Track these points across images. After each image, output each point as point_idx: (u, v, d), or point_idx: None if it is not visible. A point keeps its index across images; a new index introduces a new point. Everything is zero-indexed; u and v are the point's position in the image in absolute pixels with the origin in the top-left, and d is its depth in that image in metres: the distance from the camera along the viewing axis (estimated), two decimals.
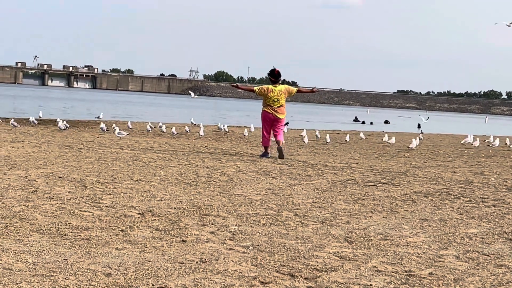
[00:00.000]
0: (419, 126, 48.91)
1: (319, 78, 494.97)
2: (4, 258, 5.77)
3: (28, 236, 6.66)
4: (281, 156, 15.95)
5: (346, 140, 25.59)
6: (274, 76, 16.34)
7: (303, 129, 29.57)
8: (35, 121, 25.29)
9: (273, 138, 16.73)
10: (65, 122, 24.51)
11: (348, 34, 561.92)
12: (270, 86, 16.28)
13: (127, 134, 21.13)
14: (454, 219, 8.85)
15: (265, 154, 16.34)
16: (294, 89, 16.71)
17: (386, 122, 60.60)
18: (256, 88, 16.65)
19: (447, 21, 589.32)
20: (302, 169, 13.75)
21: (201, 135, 24.85)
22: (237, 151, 17.66)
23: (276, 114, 16.19)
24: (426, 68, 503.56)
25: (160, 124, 28.03)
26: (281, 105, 16.25)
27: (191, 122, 31.44)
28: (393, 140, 25.18)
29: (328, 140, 24.23)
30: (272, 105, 16.17)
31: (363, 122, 57.68)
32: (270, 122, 16.30)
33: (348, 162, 15.97)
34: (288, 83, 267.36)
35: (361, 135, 27.94)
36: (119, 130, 21.52)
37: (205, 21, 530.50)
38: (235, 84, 17.46)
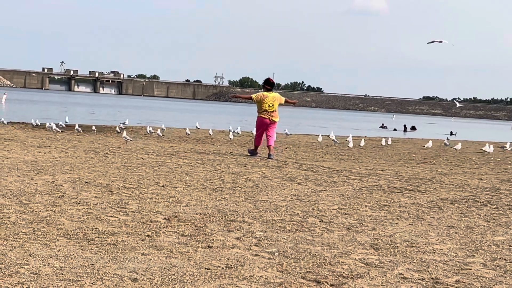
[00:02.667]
0: (451, 133, 49.75)
1: (344, 84, 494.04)
2: (31, 263, 5.81)
3: (55, 240, 6.70)
4: (269, 156, 17.49)
5: (382, 145, 27.14)
6: (269, 85, 18.31)
7: (349, 135, 29.95)
8: (58, 128, 25.24)
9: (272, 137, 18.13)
10: (60, 123, 25.13)
11: (374, 40, 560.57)
12: (265, 93, 17.98)
13: (131, 140, 21.27)
14: (481, 227, 8.79)
15: (253, 153, 18.04)
16: (283, 98, 18.42)
17: (413, 128, 60.07)
18: (253, 95, 18.21)
19: (474, 27, 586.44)
20: (328, 175, 13.72)
21: (230, 138, 26.07)
22: (262, 157, 17.65)
23: (272, 118, 17.84)
24: (452, 74, 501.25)
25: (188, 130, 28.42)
26: (275, 110, 17.90)
27: (196, 126, 31.49)
28: (429, 143, 27.56)
29: (362, 144, 25.57)
30: (268, 110, 17.79)
31: (395, 130, 57.01)
32: (266, 127, 17.88)
33: (374, 169, 15.91)
34: (313, 89, 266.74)
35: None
36: (125, 133, 22.09)
37: (230, 27, 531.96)
38: (233, 95, 19.17)
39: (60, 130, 24.44)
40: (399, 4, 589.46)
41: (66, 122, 30.55)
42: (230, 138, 25.95)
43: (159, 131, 26.34)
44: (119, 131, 25.68)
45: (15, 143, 17.63)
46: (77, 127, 26.26)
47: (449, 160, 20.82)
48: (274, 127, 17.97)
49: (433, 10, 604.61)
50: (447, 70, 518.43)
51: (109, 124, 34.65)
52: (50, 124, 25.40)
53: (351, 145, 25.10)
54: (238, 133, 29.03)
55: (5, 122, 28.02)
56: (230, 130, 28.35)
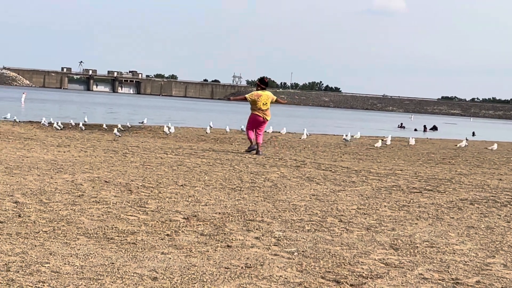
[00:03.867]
0: (473, 134, 49.89)
1: (362, 84, 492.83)
2: (52, 261, 5.83)
3: (75, 239, 6.73)
4: (258, 152, 18.21)
5: (409, 144, 27.98)
6: (264, 84, 18.89)
7: (388, 136, 30.25)
8: (58, 127, 25.46)
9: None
10: (59, 123, 25.53)
11: (393, 40, 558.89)
12: (259, 92, 18.60)
13: (119, 136, 22.47)
14: (501, 227, 8.75)
15: (251, 147, 18.53)
16: (275, 97, 18.91)
17: (434, 128, 59.73)
18: (247, 95, 18.84)
19: (492, 27, 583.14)
20: (346, 175, 13.70)
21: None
22: (281, 157, 17.64)
23: (265, 117, 18.51)
24: (471, 74, 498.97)
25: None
26: (268, 108, 18.56)
27: (210, 126, 31.61)
28: (464, 143, 28.76)
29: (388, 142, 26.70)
30: (262, 108, 18.40)
31: (415, 130, 56.61)
32: (258, 124, 18.53)
33: (393, 169, 15.87)
34: (331, 89, 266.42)
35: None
36: (117, 130, 23.35)
37: (247, 27, 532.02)
38: (228, 98, 19.32)
39: (59, 128, 24.83)
40: (418, 3, 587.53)
41: (85, 121, 30.76)
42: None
43: (166, 129, 26.47)
44: (167, 132, 26.06)
45: (34, 142, 17.72)
46: (80, 125, 26.90)
47: (468, 161, 20.73)
48: (264, 126, 18.81)
49: (452, 10, 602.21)
50: (466, 70, 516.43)
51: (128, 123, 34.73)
52: (56, 123, 25.93)
53: (388, 142, 27.38)
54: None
55: (18, 120, 28.29)
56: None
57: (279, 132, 33.06)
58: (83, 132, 24.69)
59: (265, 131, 28.55)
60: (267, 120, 18.63)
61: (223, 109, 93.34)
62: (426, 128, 58.01)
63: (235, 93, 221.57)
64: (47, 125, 25.08)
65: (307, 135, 29.95)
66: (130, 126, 30.14)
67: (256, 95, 18.46)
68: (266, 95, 18.49)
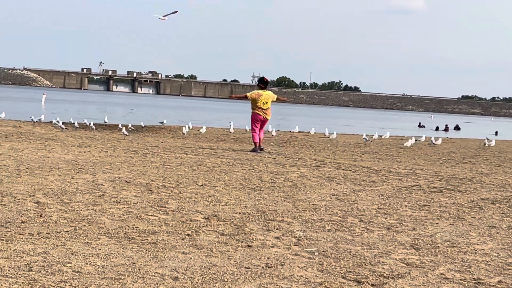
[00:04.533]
0: (496, 133, 49.80)
1: (382, 83, 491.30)
2: (73, 261, 5.86)
3: (97, 239, 6.76)
4: (261, 150, 18.85)
5: (434, 144, 28.13)
6: (263, 83, 19.31)
7: (412, 137, 30.43)
8: (63, 126, 25.67)
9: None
10: (60, 123, 25.96)
11: (411, 39, 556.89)
12: (259, 91, 18.99)
13: (127, 135, 23.18)
14: None
15: (255, 150, 18.65)
16: (275, 96, 19.37)
17: (457, 128, 59.36)
18: (248, 94, 19.24)
19: None
20: (366, 175, 13.67)
21: (272, 135, 28.29)
22: (300, 157, 17.63)
23: (266, 116, 18.89)
24: (492, 73, 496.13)
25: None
26: (269, 107, 18.96)
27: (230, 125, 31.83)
28: (493, 143, 29.44)
29: (409, 144, 26.37)
30: (262, 107, 18.80)
31: (437, 129, 56.23)
32: (260, 123, 18.88)
33: (413, 168, 15.81)
34: (350, 88, 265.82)
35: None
36: (124, 130, 24.16)
37: (267, 27, 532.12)
38: (230, 96, 20.45)
39: (64, 128, 25.15)
40: (437, 2, 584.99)
41: (105, 122, 30.98)
42: (272, 135, 28.01)
43: (184, 129, 26.82)
44: (184, 133, 26.75)
45: (55, 142, 17.81)
46: (91, 124, 27.39)
47: (489, 160, 20.62)
48: (265, 124, 19.31)
49: (471, 8, 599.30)
50: (486, 68, 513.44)
51: (148, 123, 34.86)
52: (56, 120, 26.55)
53: (423, 139, 28.65)
54: (273, 134, 29.45)
55: (35, 120, 28.53)
56: (268, 130, 28.73)
57: (308, 132, 33.29)
58: (103, 132, 24.80)
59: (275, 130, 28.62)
60: (268, 119, 19.04)
61: (242, 109, 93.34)
62: (448, 127, 57.66)
63: None
64: (63, 127, 25.23)
65: (331, 134, 30.30)
66: (143, 126, 30.41)
67: (257, 94, 18.86)
68: (267, 95, 18.91)
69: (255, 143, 18.80)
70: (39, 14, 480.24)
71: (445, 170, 15.95)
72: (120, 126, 27.66)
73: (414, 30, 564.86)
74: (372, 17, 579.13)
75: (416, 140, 27.92)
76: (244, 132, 29.76)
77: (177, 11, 34.16)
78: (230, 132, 28.71)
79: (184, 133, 26.31)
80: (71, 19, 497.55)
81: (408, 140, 27.56)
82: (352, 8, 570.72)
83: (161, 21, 33.44)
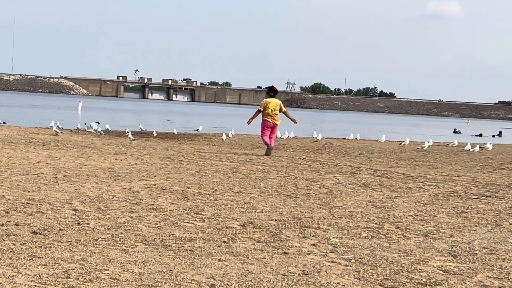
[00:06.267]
0: None
1: (418, 89, 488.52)
2: (111, 268, 5.90)
3: (133, 246, 6.80)
4: (269, 154, 19.49)
5: (487, 148, 28.57)
6: (273, 92, 20.30)
7: (487, 143, 30.64)
8: (58, 130, 26.07)
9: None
10: (60, 127, 26.89)
11: (447, 44, 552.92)
12: (268, 99, 20.06)
13: (134, 139, 23.75)
14: None
15: (268, 149, 19.60)
16: (284, 108, 20.26)
17: (499, 134, 58.55)
18: (260, 107, 20.17)
19: None
20: (403, 182, 13.59)
21: (317, 139, 29.52)
22: (336, 163, 17.59)
23: (275, 121, 19.86)
24: None
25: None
26: (277, 114, 19.95)
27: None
28: None
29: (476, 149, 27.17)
30: (271, 114, 19.80)
31: (480, 135, 55.53)
32: (270, 129, 19.82)
33: (450, 175, 15.69)
34: (385, 94, 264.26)
35: None
36: (130, 134, 24.63)
37: (301, 34, 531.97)
38: (248, 121, 20.37)
39: (60, 132, 25.61)
40: (473, 7, 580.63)
41: (140, 129, 31.22)
42: (317, 139, 29.39)
43: (224, 136, 27.28)
44: (224, 139, 27.22)
45: (92, 150, 17.96)
46: (99, 129, 27.91)
47: None
48: (275, 130, 20.14)
49: (507, 13, 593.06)
50: None
51: (183, 131, 34.99)
52: (56, 125, 27.31)
53: (489, 147, 28.70)
54: (317, 140, 29.74)
55: (60, 127, 28.90)
56: (313, 136, 29.27)
57: (345, 138, 33.46)
58: (111, 138, 24.97)
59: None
60: (277, 124, 19.97)
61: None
62: (501, 133, 57.26)
63: (289, 100, 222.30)
64: (58, 131, 25.86)
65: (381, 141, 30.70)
66: (176, 133, 30.88)
67: (265, 102, 19.97)
68: (275, 102, 19.96)
69: (266, 143, 19.78)
70: (76, 22, 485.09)
71: (482, 176, 15.80)
72: (127, 131, 27.98)
73: (450, 35, 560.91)
74: (406, 22, 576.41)
75: (480, 148, 28.19)
76: (279, 140, 29.75)
77: None
78: (282, 138, 29.89)
79: (223, 139, 26.70)
80: (107, 28, 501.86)
81: (469, 144, 28.44)
82: (387, 14, 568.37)
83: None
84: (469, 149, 27.17)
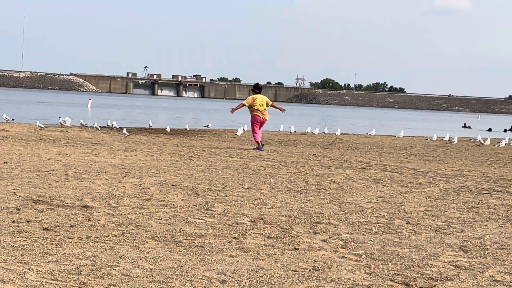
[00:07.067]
0: None
1: (427, 83, 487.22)
2: (122, 264, 5.91)
3: (144, 243, 6.81)
4: (262, 145, 20.30)
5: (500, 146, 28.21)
6: (258, 88, 21.06)
7: (505, 139, 30.50)
8: (41, 125, 26.34)
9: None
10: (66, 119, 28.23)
11: (457, 39, 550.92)
12: (254, 96, 20.71)
13: (128, 135, 23.99)
14: None
15: (258, 148, 20.05)
16: (270, 101, 20.94)
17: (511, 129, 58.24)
18: (244, 101, 21.01)
19: None
20: (413, 177, 13.56)
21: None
22: (346, 159, 17.56)
23: (264, 116, 20.45)
24: None
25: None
26: (265, 109, 20.54)
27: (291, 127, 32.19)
28: None
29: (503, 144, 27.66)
30: (259, 109, 20.39)
31: (489, 130, 55.24)
32: (259, 124, 20.41)
33: (460, 170, 15.65)
34: (395, 90, 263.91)
35: None
36: (125, 130, 24.75)
37: (311, 29, 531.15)
38: (231, 110, 21.32)
39: (43, 126, 25.95)
40: (482, 1, 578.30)
41: (150, 125, 31.26)
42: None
43: (239, 132, 27.88)
44: (238, 135, 27.72)
45: (102, 147, 18.00)
46: (95, 125, 27.91)
47: None
48: (264, 125, 20.79)
49: None
50: None
51: (193, 127, 35.02)
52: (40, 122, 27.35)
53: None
54: (325, 133, 29.93)
55: (68, 123, 29.09)
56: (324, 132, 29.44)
57: (368, 134, 33.55)
58: (108, 133, 24.99)
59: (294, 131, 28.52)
60: (266, 119, 20.58)
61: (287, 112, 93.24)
62: (466, 125, 57.33)
63: (298, 95, 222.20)
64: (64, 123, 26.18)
65: (398, 136, 30.78)
66: (188, 129, 31.12)
67: (252, 98, 20.63)
68: (261, 97, 20.59)
69: (257, 142, 20.30)
70: (85, 20, 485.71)
71: (493, 171, 15.76)
72: (113, 124, 28.87)
73: (459, 30, 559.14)
74: (416, 18, 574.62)
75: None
76: (288, 134, 29.74)
77: None
78: (290, 133, 30.68)
79: (238, 135, 27.03)
80: (116, 25, 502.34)
81: (502, 141, 28.72)
82: (396, 9, 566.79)
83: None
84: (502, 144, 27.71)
